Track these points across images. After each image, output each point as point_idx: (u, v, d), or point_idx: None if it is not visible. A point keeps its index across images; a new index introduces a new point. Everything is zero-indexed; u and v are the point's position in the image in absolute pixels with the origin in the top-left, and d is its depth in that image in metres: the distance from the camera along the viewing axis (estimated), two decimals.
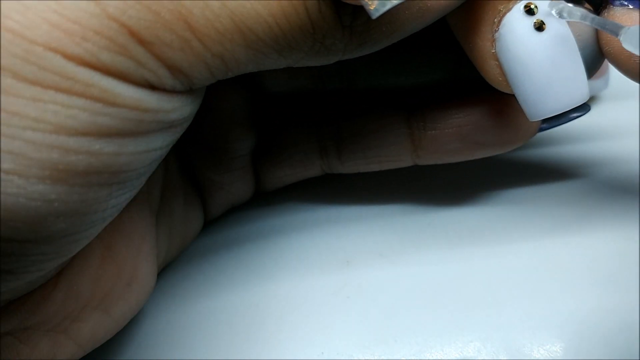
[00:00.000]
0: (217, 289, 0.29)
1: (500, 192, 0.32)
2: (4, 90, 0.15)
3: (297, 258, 0.30)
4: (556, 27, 0.20)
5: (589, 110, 0.28)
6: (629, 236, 0.28)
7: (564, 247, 0.28)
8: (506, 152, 0.29)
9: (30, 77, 0.15)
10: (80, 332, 0.22)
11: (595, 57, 0.22)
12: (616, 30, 0.19)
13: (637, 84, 0.22)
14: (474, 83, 0.26)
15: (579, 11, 0.20)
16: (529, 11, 0.20)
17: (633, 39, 0.19)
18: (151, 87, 0.17)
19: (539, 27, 0.20)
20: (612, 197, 0.30)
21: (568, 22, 0.20)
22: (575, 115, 0.28)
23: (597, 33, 0.22)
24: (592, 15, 0.20)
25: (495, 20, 0.20)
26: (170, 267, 0.31)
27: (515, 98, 0.22)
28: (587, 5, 0.22)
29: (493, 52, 0.21)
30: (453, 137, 0.28)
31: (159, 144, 0.18)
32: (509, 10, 0.20)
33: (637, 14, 0.21)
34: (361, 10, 0.17)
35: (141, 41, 0.16)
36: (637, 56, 0.21)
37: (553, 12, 0.20)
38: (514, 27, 0.20)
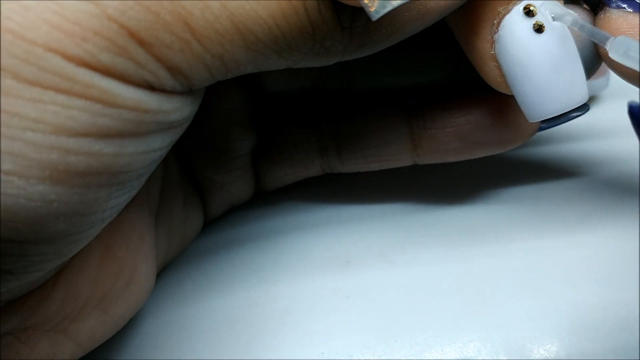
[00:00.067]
0: (217, 289, 0.29)
1: (500, 192, 0.32)
2: (4, 91, 0.15)
3: (297, 258, 0.30)
4: (555, 28, 0.20)
5: (589, 109, 0.28)
6: (629, 235, 0.28)
7: (564, 246, 0.28)
8: (506, 152, 0.29)
9: (30, 78, 0.15)
10: (79, 332, 0.22)
11: (595, 57, 0.22)
12: (603, 40, 0.19)
13: None
14: (474, 83, 0.26)
15: (570, 16, 0.20)
16: (529, 13, 0.20)
17: (620, 49, 0.19)
18: (151, 88, 0.17)
19: (539, 28, 0.20)
20: (612, 196, 0.30)
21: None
22: (574, 114, 0.28)
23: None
24: (581, 22, 0.20)
25: (495, 21, 0.20)
26: (170, 267, 0.31)
27: (514, 98, 0.22)
28: (584, 6, 0.22)
29: (492, 54, 0.21)
30: (453, 137, 0.28)
31: (159, 145, 0.18)
32: (508, 11, 0.20)
33: (633, 17, 0.21)
34: (361, 11, 0.17)
35: (141, 42, 0.16)
36: None
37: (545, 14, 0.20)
38: (514, 28, 0.20)
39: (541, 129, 0.29)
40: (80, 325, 0.22)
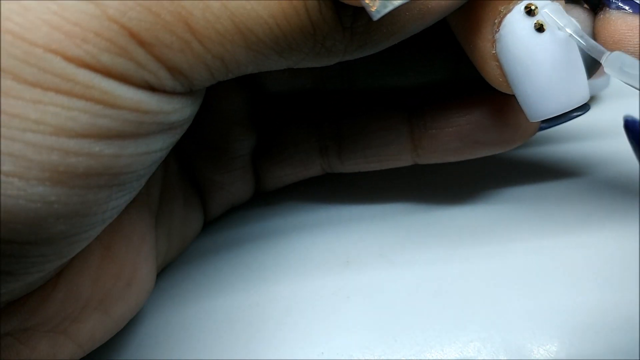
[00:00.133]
0: (217, 289, 0.29)
1: (501, 191, 0.32)
2: (4, 92, 0.15)
3: (297, 258, 0.30)
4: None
5: (589, 109, 0.28)
6: (629, 235, 0.28)
7: (564, 246, 0.28)
8: (506, 151, 0.29)
9: (30, 79, 0.15)
10: (80, 332, 0.22)
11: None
12: (599, 55, 0.19)
13: None
14: (475, 83, 0.26)
15: (572, 26, 0.20)
16: (530, 12, 0.20)
17: (615, 64, 0.19)
18: (151, 88, 0.17)
19: (540, 28, 0.20)
20: (612, 196, 0.30)
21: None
22: (575, 114, 0.28)
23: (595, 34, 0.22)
24: (580, 34, 0.20)
25: (496, 21, 0.20)
26: (170, 267, 0.31)
27: (515, 97, 0.22)
28: (585, 6, 0.22)
29: (493, 53, 0.21)
30: (453, 137, 0.28)
31: (159, 146, 0.18)
32: (509, 11, 0.20)
33: (633, 18, 0.21)
34: (362, 11, 0.17)
35: (141, 43, 0.16)
36: None
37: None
38: (515, 28, 0.20)
39: (541, 128, 0.29)
40: (80, 326, 0.22)
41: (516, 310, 0.26)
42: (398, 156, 0.29)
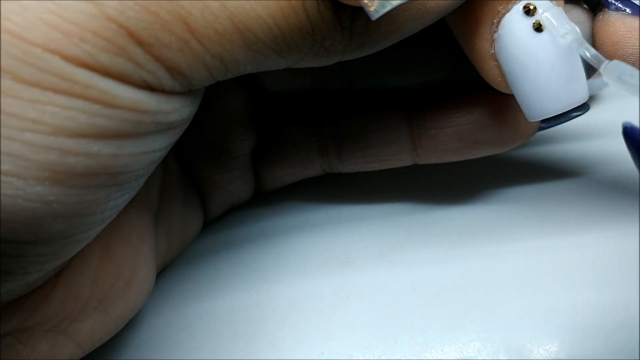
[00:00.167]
0: (217, 289, 0.29)
1: (500, 192, 0.32)
2: (3, 92, 0.15)
3: (297, 258, 0.30)
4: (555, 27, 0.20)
5: (589, 109, 0.28)
6: (629, 235, 0.28)
7: (564, 246, 0.28)
8: (506, 151, 0.29)
9: (28, 78, 0.15)
10: (79, 332, 0.22)
11: None
12: (598, 63, 0.19)
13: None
14: (474, 83, 0.26)
15: (573, 34, 0.20)
16: (528, 12, 0.20)
17: (613, 73, 0.19)
18: (150, 88, 0.17)
19: (538, 27, 0.20)
20: (612, 196, 0.30)
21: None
22: (575, 114, 0.28)
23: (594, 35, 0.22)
24: (580, 41, 0.20)
25: (495, 21, 0.20)
26: (170, 267, 0.31)
27: (514, 97, 0.22)
28: (584, 6, 0.22)
29: (492, 53, 0.21)
30: (453, 137, 0.28)
31: (158, 146, 0.18)
32: (508, 11, 0.20)
33: (632, 20, 0.21)
34: (360, 11, 0.17)
35: (140, 42, 0.16)
36: (629, 62, 0.21)
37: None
38: (513, 27, 0.20)
39: (541, 128, 0.29)
40: (80, 326, 0.22)
41: (516, 310, 0.26)
42: (398, 156, 0.29)
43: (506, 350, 0.25)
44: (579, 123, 0.33)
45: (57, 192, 0.16)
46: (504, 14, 0.20)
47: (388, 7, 0.16)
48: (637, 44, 0.21)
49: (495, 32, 0.20)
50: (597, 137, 0.34)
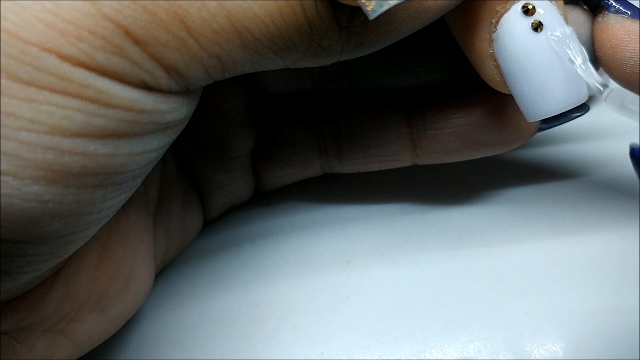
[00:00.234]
0: (217, 289, 0.29)
1: (500, 192, 0.32)
2: None
3: (297, 258, 0.30)
4: (554, 27, 0.20)
5: (589, 109, 0.28)
6: (629, 235, 0.28)
7: (564, 246, 0.28)
8: (506, 152, 0.29)
9: (25, 77, 0.15)
10: (77, 332, 0.22)
11: (594, 58, 0.22)
12: (601, 88, 0.19)
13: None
14: (474, 83, 0.26)
15: (581, 55, 0.20)
16: (527, 11, 0.20)
17: (616, 100, 0.19)
18: (147, 87, 0.17)
19: (537, 27, 0.20)
20: (612, 196, 0.30)
21: (566, 23, 0.20)
22: (574, 115, 0.28)
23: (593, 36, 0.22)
24: (587, 65, 0.20)
25: (493, 20, 0.20)
26: (170, 267, 0.31)
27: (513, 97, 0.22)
28: (585, 7, 0.22)
29: (491, 53, 0.21)
30: (452, 137, 0.28)
31: (155, 146, 0.18)
32: (506, 10, 0.20)
33: (631, 23, 0.21)
34: (358, 11, 0.17)
35: (137, 41, 0.16)
36: (627, 65, 0.21)
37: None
38: (512, 27, 0.20)
39: (541, 129, 0.29)
40: (78, 326, 0.22)
41: (516, 310, 0.26)
42: (397, 156, 0.29)
43: (506, 350, 0.25)
44: (579, 123, 0.33)
45: (53, 191, 0.16)
46: (502, 14, 0.20)
47: (386, 7, 0.16)
48: (636, 48, 0.21)
49: (493, 31, 0.20)
50: (597, 137, 0.34)
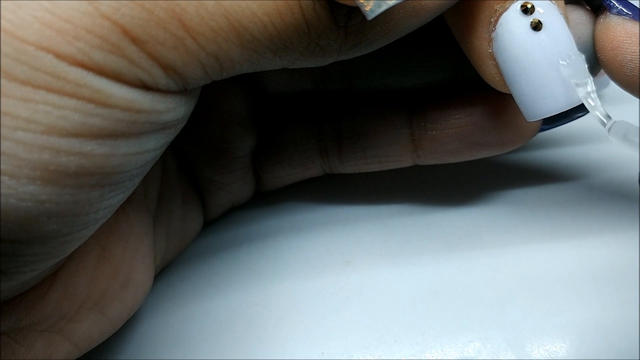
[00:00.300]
0: (217, 289, 0.29)
1: (501, 193, 0.32)
2: None
3: (297, 258, 0.30)
4: (553, 26, 0.20)
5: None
6: (629, 237, 0.28)
7: (564, 247, 0.28)
8: (506, 153, 0.29)
9: (21, 76, 0.15)
10: (76, 332, 0.22)
11: (594, 59, 0.22)
12: (604, 120, 0.19)
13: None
14: (474, 83, 0.26)
15: (589, 85, 0.20)
16: (526, 10, 0.20)
17: (619, 132, 0.19)
18: (145, 87, 0.17)
19: (536, 26, 0.20)
20: (613, 198, 0.30)
21: (567, 22, 0.20)
22: (576, 115, 0.28)
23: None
24: (593, 96, 0.20)
25: (492, 19, 0.20)
26: (170, 267, 0.31)
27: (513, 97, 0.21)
28: (587, 7, 0.22)
29: (490, 52, 0.21)
30: (453, 138, 0.28)
31: (153, 146, 0.18)
32: (505, 9, 0.20)
33: (633, 25, 0.21)
34: (356, 10, 0.17)
35: (134, 40, 0.16)
36: (628, 68, 0.21)
37: None
38: (511, 26, 0.20)
39: (543, 129, 0.28)
40: (76, 326, 0.22)
41: (516, 310, 0.26)
42: (398, 157, 0.29)
43: (506, 350, 0.25)
44: (580, 124, 0.33)
45: (49, 191, 0.16)
46: (501, 13, 0.20)
47: (384, 7, 0.16)
48: (637, 51, 0.21)
49: (492, 31, 0.20)
50: (598, 138, 0.34)
